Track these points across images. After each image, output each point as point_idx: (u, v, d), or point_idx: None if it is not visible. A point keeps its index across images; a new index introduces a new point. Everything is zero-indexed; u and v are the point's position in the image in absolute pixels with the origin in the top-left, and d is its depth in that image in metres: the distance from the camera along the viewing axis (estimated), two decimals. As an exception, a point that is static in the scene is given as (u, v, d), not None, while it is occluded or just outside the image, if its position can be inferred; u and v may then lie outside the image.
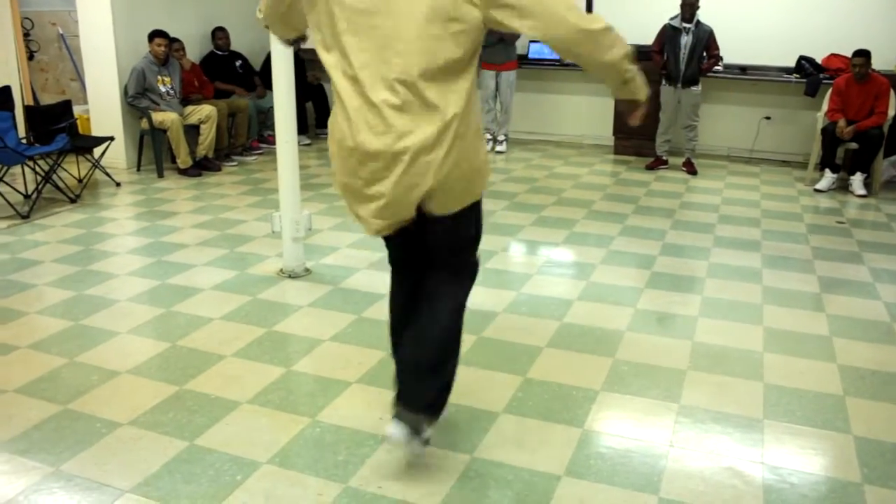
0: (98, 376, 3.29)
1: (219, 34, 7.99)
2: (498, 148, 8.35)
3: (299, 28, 2.54)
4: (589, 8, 8.40)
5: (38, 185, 5.96)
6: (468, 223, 2.50)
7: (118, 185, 6.72)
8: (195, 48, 7.92)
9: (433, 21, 2.13)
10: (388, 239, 2.59)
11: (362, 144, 2.23)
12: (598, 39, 2.19)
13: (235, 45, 8.15)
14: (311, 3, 2.27)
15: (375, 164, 2.24)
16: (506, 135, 8.40)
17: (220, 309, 4.01)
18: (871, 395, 3.17)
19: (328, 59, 2.28)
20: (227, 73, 8.04)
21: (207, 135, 7.20)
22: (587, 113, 8.70)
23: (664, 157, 7.57)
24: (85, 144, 6.73)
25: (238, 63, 8.18)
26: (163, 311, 4.00)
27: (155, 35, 6.99)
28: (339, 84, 2.26)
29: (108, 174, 6.75)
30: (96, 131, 7.31)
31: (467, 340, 3.56)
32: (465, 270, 2.63)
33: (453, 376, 2.64)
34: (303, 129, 8.50)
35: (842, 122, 6.60)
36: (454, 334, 2.59)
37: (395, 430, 2.45)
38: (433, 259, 2.57)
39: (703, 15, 7.15)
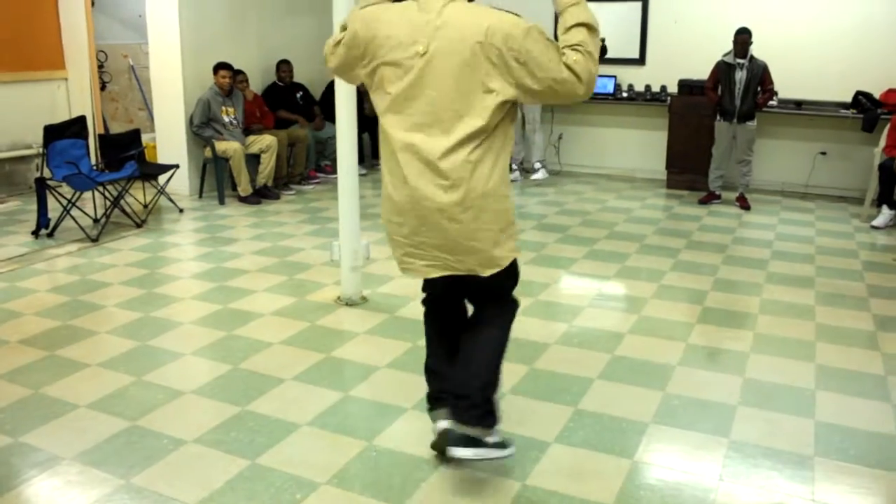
0: (164, 395, 3.44)
1: (283, 67, 8.27)
2: (533, 176, 8.47)
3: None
4: (643, 52, 8.51)
5: (106, 209, 6.22)
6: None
7: (181, 211, 6.98)
8: (257, 79, 8.21)
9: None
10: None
11: None
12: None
13: (297, 76, 8.41)
14: None
15: None
16: (541, 162, 8.52)
17: (280, 334, 4.15)
18: (926, 436, 3.16)
19: None
20: (288, 103, 8.31)
21: (268, 164, 7.44)
22: (639, 146, 8.75)
23: (717, 192, 7.57)
24: (152, 172, 7.00)
25: (299, 95, 8.44)
26: (224, 335, 4.15)
27: (220, 67, 7.26)
28: None
29: (171, 200, 7.01)
30: (162, 159, 7.60)
31: (519, 371, 3.66)
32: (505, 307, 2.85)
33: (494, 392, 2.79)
34: (360, 159, 8.71)
35: (901, 159, 6.55)
36: (496, 359, 2.78)
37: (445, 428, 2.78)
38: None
39: (758, 51, 7.17)
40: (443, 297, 2.90)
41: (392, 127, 2.49)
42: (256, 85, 8.13)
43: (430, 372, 2.94)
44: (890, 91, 7.47)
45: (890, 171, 6.62)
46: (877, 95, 7.53)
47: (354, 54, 2.55)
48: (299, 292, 4.82)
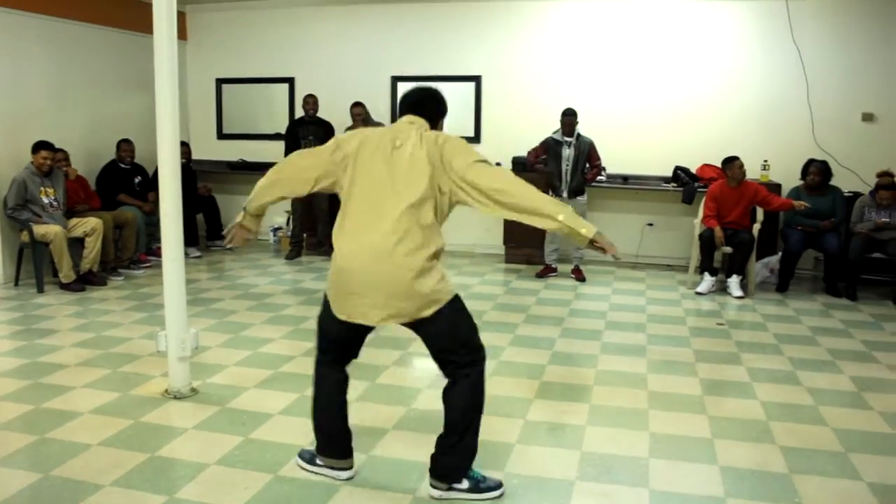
0: (-42, 515, 3.07)
1: (123, 146, 7.97)
2: None
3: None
4: (477, 130, 8.79)
5: None
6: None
7: (-6, 301, 6.43)
8: (84, 158, 7.83)
9: None
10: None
11: None
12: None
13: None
14: None
15: None
16: None
17: (100, 434, 3.82)
18: (749, 496, 3.26)
19: None
20: (124, 186, 7.96)
21: (92, 248, 7.01)
22: (478, 222, 8.88)
23: (553, 266, 7.79)
24: (-41, 260, 6.44)
25: (137, 180, 8.10)
26: (36, 439, 3.77)
27: (40, 147, 6.84)
28: None
29: (-17, 290, 6.46)
30: (-28, 245, 7.02)
31: (356, 459, 3.51)
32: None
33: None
34: (193, 241, 8.41)
35: (718, 232, 6.99)
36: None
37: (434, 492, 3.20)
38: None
39: (585, 129, 7.55)
40: None
41: None
42: (84, 164, 7.74)
43: None
44: (705, 166, 8.04)
45: (708, 240, 7.08)
46: (693, 170, 8.09)
47: None
48: (123, 387, 4.49)
